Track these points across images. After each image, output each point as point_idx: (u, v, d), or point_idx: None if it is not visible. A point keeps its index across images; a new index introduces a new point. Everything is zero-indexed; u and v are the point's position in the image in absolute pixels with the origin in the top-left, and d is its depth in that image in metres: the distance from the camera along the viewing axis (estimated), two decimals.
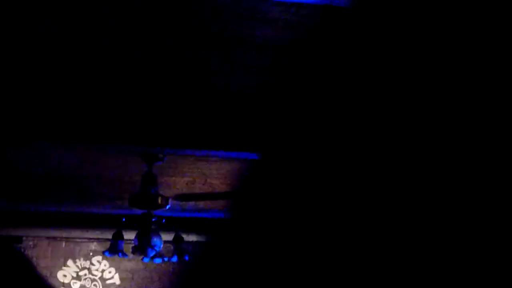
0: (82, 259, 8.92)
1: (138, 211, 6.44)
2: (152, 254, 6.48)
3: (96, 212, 7.69)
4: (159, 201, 6.24)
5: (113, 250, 6.93)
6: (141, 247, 6.38)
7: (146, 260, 6.78)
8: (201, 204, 7.13)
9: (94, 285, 8.91)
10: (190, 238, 8.47)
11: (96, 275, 8.92)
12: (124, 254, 6.98)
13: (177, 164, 6.51)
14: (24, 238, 8.75)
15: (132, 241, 6.57)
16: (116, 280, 8.96)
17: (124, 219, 6.73)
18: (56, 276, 8.81)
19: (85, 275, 8.90)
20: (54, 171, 6.78)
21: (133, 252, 6.58)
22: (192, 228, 8.29)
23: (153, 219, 6.41)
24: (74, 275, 8.87)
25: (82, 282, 8.88)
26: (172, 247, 7.15)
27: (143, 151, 5.94)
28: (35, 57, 4.58)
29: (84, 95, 5.02)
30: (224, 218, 8.19)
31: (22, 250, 8.76)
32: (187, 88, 5.09)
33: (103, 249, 7.54)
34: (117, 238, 6.92)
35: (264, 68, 4.73)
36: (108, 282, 8.95)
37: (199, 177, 6.94)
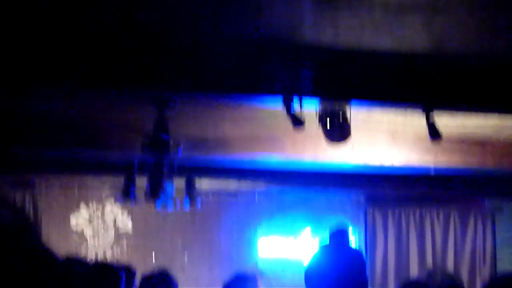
0: (94, 204, 8.95)
1: (151, 157, 6.43)
2: (163, 200, 6.50)
3: (108, 157, 7.70)
4: (171, 146, 6.22)
5: (125, 195, 6.95)
6: (153, 193, 6.39)
7: (158, 206, 6.80)
8: (214, 150, 7.11)
9: (107, 230, 8.94)
10: (203, 184, 8.47)
11: (108, 221, 8.96)
12: (136, 200, 7.00)
13: (190, 109, 6.47)
14: (36, 183, 8.77)
15: (145, 187, 6.59)
16: (129, 225, 8.99)
17: (136, 165, 6.72)
18: (68, 221, 8.85)
19: (98, 220, 8.94)
20: (65, 117, 6.77)
21: (145, 198, 6.60)
22: (205, 175, 8.30)
23: (165, 165, 6.40)
24: (87, 220, 8.90)
25: (95, 227, 8.92)
26: (184, 194, 7.16)
27: (154, 96, 5.90)
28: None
29: (94, 39, 4.98)
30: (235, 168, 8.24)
31: (34, 195, 8.80)
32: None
33: (115, 195, 7.55)
34: (129, 184, 6.94)
35: None
36: (121, 227, 8.98)
37: (212, 122, 6.92)
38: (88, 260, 6.65)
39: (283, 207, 9.34)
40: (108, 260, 8.53)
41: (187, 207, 7.16)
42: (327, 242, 3.37)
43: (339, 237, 3.27)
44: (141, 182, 6.84)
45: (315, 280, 3.26)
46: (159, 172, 6.35)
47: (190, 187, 7.15)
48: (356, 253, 3.31)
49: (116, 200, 7.76)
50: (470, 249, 9.51)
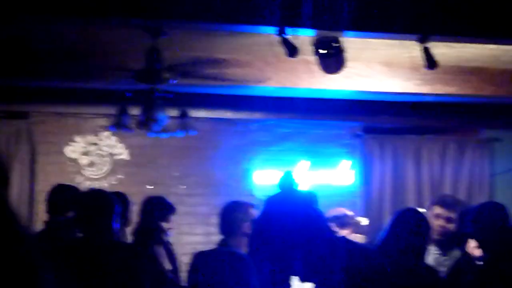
0: (90, 134, 8.99)
1: (144, 86, 6.43)
2: (157, 128, 6.55)
3: (102, 87, 7.72)
4: (164, 75, 6.22)
5: (118, 124, 6.99)
6: (146, 122, 6.43)
7: (151, 134, 6.86)
8: (209, 80, 7.10)
9: (103, 160, 8.99)
10: (199, 114, 8.52)
11: (104, 151, 9.00)
12: (130, 129, 7.04)
13: (184, 38, 6.44)
14: (31, 113, 8.78)
15: (138, 116, 6.63)
16: (125, 155, 9.03)
17: (129, 94, 6.72)
18: (64, 152, 8.89)
19: (94, 150, 8.98)
20: (58, 46, 6.75)
21: (138, 127, 6.64)
22: (200, 104, 8.34)
23: (159, 94, 6.40)
24: (83, 150, 8.94)
25: (91, 158, 8.97)
26: (178, 123, 7.20)
27: (147, 25, 5.86)
28: None
29: None
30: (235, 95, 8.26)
31: (30, 126, 8.83)
32: None
33: (110, 125, 7.60)
34: (122, 113, 6.97)
35: None
36: (117, 157, 9.03)
37: (206, 52, 6.89)
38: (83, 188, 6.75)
39: (280, 138, 9.40)
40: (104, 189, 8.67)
41: (181, 135, 7.20)
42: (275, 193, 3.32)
43: (286, 184, 3.23)
44: (136, 111, 6.89)
45: (263, 236, 3.17)
46: (152, 101, 6.37)
47: (183, 116, 7.19)
48: (307, 196, 3.28)
49: (111, 130, 7.81)
50: (467, 179, 9.56)
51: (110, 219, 4.77)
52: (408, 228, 4.59)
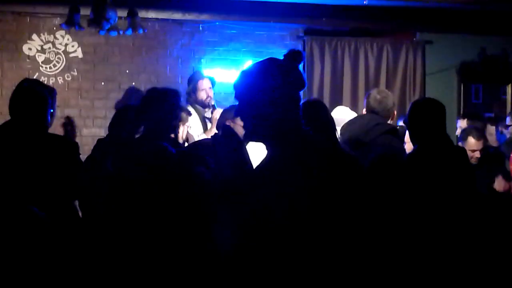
0: (46, 33, 9.15)
1: None
2: (107, 27, 6.82)
3: None
4: None
5: (70, 22, 7.20)
6: (96, 20, 6.71)
7: (102, 32, 7.12)
8: None
9: (58, 58, 9.18)
10: (148, 15, 8.81)
11: (59, 49, 9.19)
12: (81, 27, 7.28)
13: None
14: None
15: (89, 15, 6.91)
16: (79, 53, 9.24)
17: None
18: (21, 50, 9.12)
19: (49, 48, 9.17)
20: None
21: (88, 25, 6.93)
22: (149, 5, 8.61)
23: None
24: (39, 48, 9.13)
25: (47, 55, 9.16)
26: (127, 22, 7.43)
27: None
28: None
29: None
30: None
31: None
32: None
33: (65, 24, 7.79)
34: (74, 12, 7.17)
35: None
36: (72, 55, 9.24)
37: None
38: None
39: (226, 39, 9.69)
40: (60, 84, 8.94)
41: (129, 33, 7.40)
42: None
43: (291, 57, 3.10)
44: (88, 11, 7.15)
45: (242, 89, 3.16)
46: (102, 1, 6.64)
47: (132, 16, 7.36)
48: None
49: (64, 28, 7.93)
50: (401, 77, 10.00)
51: (43, 115, 5.02)
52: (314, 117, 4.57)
